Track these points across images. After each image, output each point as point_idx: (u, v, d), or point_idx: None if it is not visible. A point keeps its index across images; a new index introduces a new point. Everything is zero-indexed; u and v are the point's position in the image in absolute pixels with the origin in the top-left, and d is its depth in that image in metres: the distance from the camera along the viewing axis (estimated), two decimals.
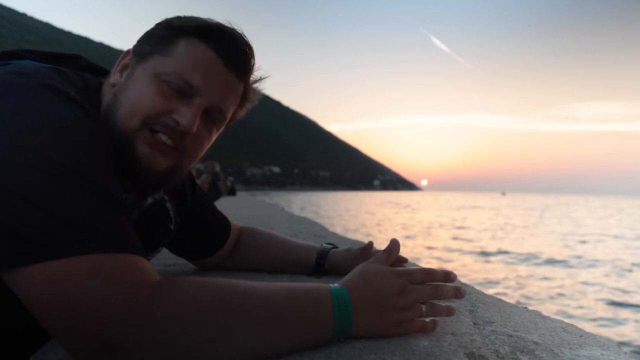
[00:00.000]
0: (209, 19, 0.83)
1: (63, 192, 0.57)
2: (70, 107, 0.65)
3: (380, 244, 1.22)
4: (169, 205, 1.06)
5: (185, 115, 0.76)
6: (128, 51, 0.84)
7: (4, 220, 0.54)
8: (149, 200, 0.99)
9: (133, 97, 0.76)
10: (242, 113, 0.93)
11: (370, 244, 1.17)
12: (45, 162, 0.57)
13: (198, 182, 1.24)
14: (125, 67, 0.82)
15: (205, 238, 1.23)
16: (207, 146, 0.87)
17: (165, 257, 1.58)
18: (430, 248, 12.33)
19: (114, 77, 0.82)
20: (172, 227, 1.08)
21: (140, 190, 0.95)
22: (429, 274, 0.75)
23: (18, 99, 0.63)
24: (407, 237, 14.95)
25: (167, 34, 0.80)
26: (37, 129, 0.60)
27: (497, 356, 0.67)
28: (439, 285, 0.75)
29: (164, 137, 0.77)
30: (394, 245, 0.83)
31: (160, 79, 0.76)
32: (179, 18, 0.83)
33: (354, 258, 1.15)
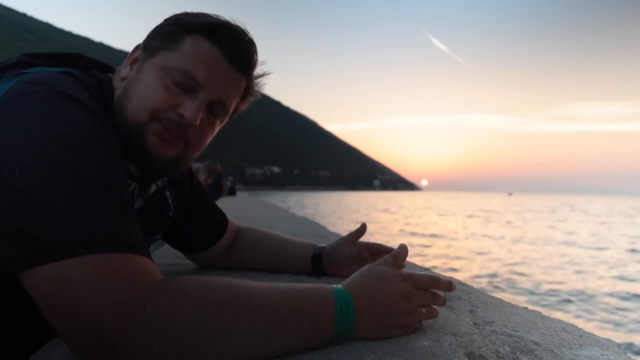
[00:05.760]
0: (216, 15, 0.85)
1: (71, 193, 0.58)
2: (82, 113, 0.68)
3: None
4: (167, 193, 1.09)
5: (190, 109, 0.80)
6: (138, 46, 0.87)
7: (14, 221, 0.56)
8: (153, 187, 1.02)
9: (142, 90, 0.80)
10: (244, 106, 0.96)
11: (364, 225, 1.19)
12: (56, 165, 0.59)
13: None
14: (135, 60, 0.86)
15: (202, 230, 1.23)
16: (211, 138, 0.91)
17: (165, 257, 1.58)
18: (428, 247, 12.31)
19: (125, 71, 0.86)
20: (170, 214, 1.11)
21: (145, 179, 0.98)
22: (435, 281, 0.76)
23: (34, 107, 0.65)
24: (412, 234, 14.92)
25: (174, 31, 0.83)
26: (51, 135, 0.62)
27: (497, 356, 0.67)
28: (436, 292, 0.77)
29: (170, 129, 0.81)
30: (402, 250, 0.82)
31: (166, 73, 0.80)
32: (186, 15, 0.85)
33: (346, 241, 1.19)
